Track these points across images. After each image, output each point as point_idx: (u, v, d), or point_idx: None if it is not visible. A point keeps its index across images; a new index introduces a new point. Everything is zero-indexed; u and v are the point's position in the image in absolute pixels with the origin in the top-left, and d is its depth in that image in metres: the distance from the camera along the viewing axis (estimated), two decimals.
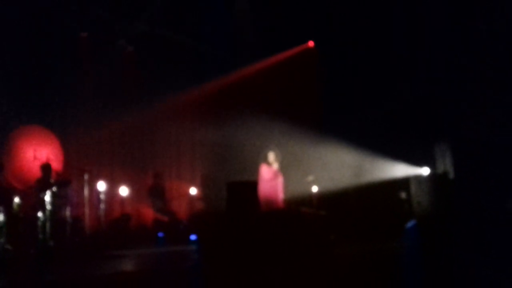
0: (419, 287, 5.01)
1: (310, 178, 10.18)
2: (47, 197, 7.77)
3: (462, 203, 4.99)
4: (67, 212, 8.42)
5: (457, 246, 4.75)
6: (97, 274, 6.43)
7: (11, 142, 9.41)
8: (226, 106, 11.66)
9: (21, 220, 7.70)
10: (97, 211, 9.24)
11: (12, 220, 7.49)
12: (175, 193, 11.15)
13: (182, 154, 11.92)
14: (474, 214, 4.75)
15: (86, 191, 8.89)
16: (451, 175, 6.18)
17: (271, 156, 8.54)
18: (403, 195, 9.79)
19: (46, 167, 8.68)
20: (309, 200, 9.87)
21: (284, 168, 8.66)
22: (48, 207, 7.71)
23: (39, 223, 7.59)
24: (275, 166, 8.50)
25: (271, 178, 8.43)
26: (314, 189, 10.13)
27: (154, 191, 10.52)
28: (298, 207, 8.47)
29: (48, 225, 7.60)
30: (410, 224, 5.79)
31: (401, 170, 10.33)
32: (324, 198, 10.05)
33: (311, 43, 12.35)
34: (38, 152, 9.52)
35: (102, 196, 9.23)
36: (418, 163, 10.18)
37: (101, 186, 9.31)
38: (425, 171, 9.97)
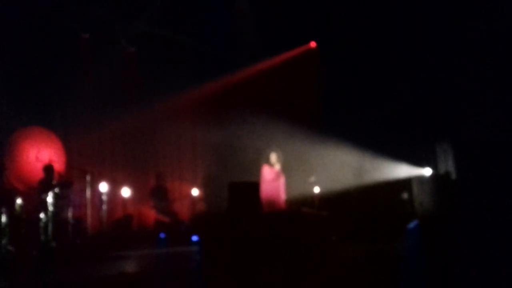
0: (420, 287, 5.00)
1: (312, 178, 10.18)
2: (49, 198, 7.79)
3: (464, 204, 4.98)
4: (69, 213, 8.43)
5: (459, 246, 4.74)
6: (99, 275, 6.44)
7: (13, 143, 9.42)
8: (227, 106, 11.65)
9: (23, 221, 7.71)
10: (99, 212, 9.26)
11: (14, 221, 7.50)
12: (177, 194, 11.15)
13: (184, 155, 11.92)
14: (477, 214, 4.73)
15: (88, 192, 8.90)
16: (453, 175, 6.17)
17: (273, 156, 8.54)
18: (405, 195, 9.79)
19: (48, 168, 8.69)
20: (310, 201, 9.87)
21: (285, 169, 8.66)
22: (50, 208, 7.73)
23: (41, 224, 7.61)
24: (277, 166, 8.50)
25: (273, 178, 8.43)
26: (316, 189, 10.12)
27: (157, 192, 10.53)
28: (300, 208, 8.47)
29: (50, 226, 7.62)
30: (412, 224, 5.79)
31: (403, 170, 10.32)
32: (326, 199, 10.05)
33: (313, 44, 12.34)
34: (40, 153, 9.52)
35: (104, 197, 9.24)
36: (420, 163, 10.17)
37: (103, 187, 9.33)
38: (427, 171, 9.96)
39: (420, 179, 7.07)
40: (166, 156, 11.61)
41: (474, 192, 4.80)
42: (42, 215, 7.66)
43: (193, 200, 11.11)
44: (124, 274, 6.54)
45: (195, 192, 11.08)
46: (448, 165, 9.20)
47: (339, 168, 10.79)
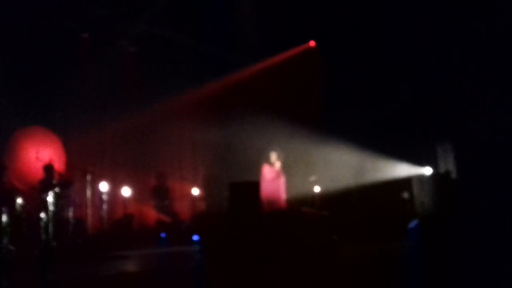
0: (421, 287, 5.01)
1: (312, 178, 10.18)
2: (50, 198, 7.79)
3: (465, 203, 4.98)
4: (70, 213, 8.43)
5: (459, 246, 4.74)
6: (99, 275, 6.45)
7: (13, 143, 9.42)
8: (228, 106, 11.66)
9: (24, 221, 7.72)
10: (100, 212, 9.26)
11: (15, 220, 7.51)
12: (177, 194, 11.15)
13: (184, 155, 11.92)
14: (477, 214, 4.74)
15: (88, 192, 8.91)
16: (454, 175, 6.17)
17: (273, 156, 8.55)
18: (405, 195, 9.78)
19: (48, 168, 8.68)
20: (311, 200, 9.87)
21: (286, 168, 8.66)
22: (51, 207, 7.73)
23: (42, 223, 7.62)
24: (278, 166, 8.51)
25: (273, 178, 8.44)
26: (316, 189, 10.12)
27: (158, 192, 10.53)
28: (300, 207, 8.48)
29: (50, 225, 7.62)
30: (412, 224, 5.79)
31: (403, 170, 10.32)
32: (326, 198, 10.05)
33: (312, 43, 12.34)
34: (40, 153, 9.52)
35: (104, 197, 9.25)
36: (421, 163, 10.17)
37: (104, 186, 9.33)
38: (427, 171, 9.96)
39: (421, 178, 7.06)
40: (167, 155, 11.60)
41: (474, 191, 4.81)
42: (42, 215, 7.67)
43: (194, 199, 11.12)
44: (125, 274, 6.55)
45: (195, 191, 11.08)
46: (449, 164, 9.20)
47: (340, 167, 10.79)
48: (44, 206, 7.75)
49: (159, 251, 8.87)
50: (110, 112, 10.51)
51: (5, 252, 7.18)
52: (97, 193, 9.35)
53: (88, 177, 8.95)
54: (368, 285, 5.41)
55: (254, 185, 7.25)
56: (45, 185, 8.21)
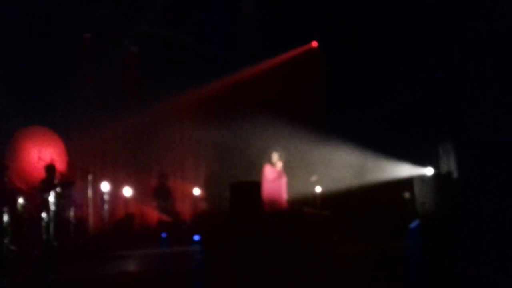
0: (422, 287, 5.00)
1: (314, 178, 10.17)
2: (51, 198, 7.80)
3: (466, 203, 4.97)
4: (71, 213, 8.44)
5: (460, 246, 4.74)
6: (100, 274, 6.45)
7: (15, 143, 9.44)
8: (229, 106, 11.65)
9: (25, 221, 7.73)
10: (101, 212, 9.27)
11: (16, 220, 7.52)
12: (178, 194, 11.16)
13: (186, 155, 11.93)
14: (478, 214, 4.73)
15: (90, 192, 8.92)
16: (455, 175, 6.16)
17: (275, 156, 8.54)
18: (406, 195, 9.77)
19: (50, 168, 8.70)
20: (312, 201, 9.86)
21: (287, 168, 8.66)
22: (52, 207, 7.74)
23: (43, 223, 7.63)
24: (279, 166, 8.50)
25: (274, 178, 8.43)
26: (318, 189, 10.12)
27: (160, 192, 10.53)
28: (301, 208, 8.47)
29: (52, 225, 7.64)
30: (413, 224, 5.78)
31: (404, 170, 10.31)
32: (328, 198, 10.04)
33: (314, 43, 12.33)
34: (42, 153, 9.53)
35: (105, 197, 9.25)
36: (422, 163, 10.15)
37: (105, 186, 9.34)
38: (429, 171, 9.94)
39: (422, 178, 7.05)
40: (168, 155, 11.61)
41: (476, 191, 4.80)
42: (44, 215, 7.68)
43: (195, 199, 11.12)
44: (126, 274, 6.55)
45: (196, 191, 11.08)
46: (450, 164, 9.17)
47: (341, 167, 10.78)
48: (45, 206, 7.76)
49: (160, 251, 8.87)
50: (112, 112, 10.52)
51: (6, 252, 7.20)
52: (98, 193, 9.35)
53: (90, 177, 8.95)
54: (369, 285, 5.40)
55: (256, 185, 7.24)
56: (47, 185, 8.22)
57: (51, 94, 9.85)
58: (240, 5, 12.09)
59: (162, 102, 11.05)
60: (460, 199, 5.20)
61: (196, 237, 8.91)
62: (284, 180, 8.49)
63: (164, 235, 9.69)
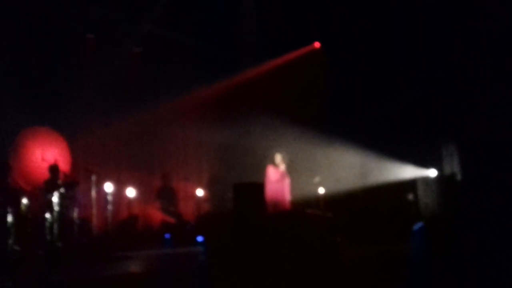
0: None
1: (317, 179, 10.17)
2: (55, 198, 7.81)
3: (470, 205, 4.97)
4: (75, 213, 8.46)
5: (464, 248, 4.73)
6: (104, 275, 6.46)
7: (19, 143, 9.45)
8: (233, 107, 11.66)
9: (29, 221, 7.75)
10: (105, 212, 9.28)
11: (20, 221, 7.54)
12: (182, 195, 11.16)
13: (189, 155, 11.93)
14: (482, 216, 4.72)
15: (93, 192, 8.93)
16: (459, 176, 6.15)
17: (278, 157, 8.55)
18: (410, 196, 9.75)
19: (53, 168, 8.71)
20: (315, 202, 9.86)
21: (290, 169, 8.66)
22: (56, 208, 7.75)
23: (47, 224, 7.63)
24: (282, 167, 8.50)
25: (278, 179, 8.44)
26: (321, 190, 10.11)
27: (164, 193, 10.54)
28: (304, 209, 8.46)
29: (55, 226, 7.64)
30: (417, 226, 5.78)
31: (408, 171, 10.29)
32: (331, 200, 10.03)
33: (317, 44, 12.33)
34: (45, 153, 9.55)
35: (109, 197, 9.27)
36: (425, 164, 10.13)
37: (109, 187, 9.35)
38: (432, 172, 9.93)
39: (426, 180, 7.06)
40: (171, 156, 11.62)
41: (479, 193, 4.79)
42: (47, 215, 7.68)
43: (198, 200, 11.12)
44: (129, 274, 6.56)
45: (200, 192, 11.08)
46: (454, 166, 9.16)
47: (344, 169, 10.77)
48: (49, 206, 7.77)
49: (164, 252, 8.87)
50: (115, 113, 10.53)
51: (10, 252, 7.21)
52: (102, 193, 9.36)
53: (93, 178, 8.97)
54: (372, 286, 5.40)
55: (259, 186, 7.25)
56: (50, 186, 8.23)
57: (54, 95, 9.87)
58: (242, 5, 12.10)
59: (165, 103, 11.06)
60: (463, 200, 5.19)
61: (200, 238, 8.90)
62: (287, 181, 8.49)
63: (167, 236, 9.69)
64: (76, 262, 7.33)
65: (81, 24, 10.34)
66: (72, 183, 8.75)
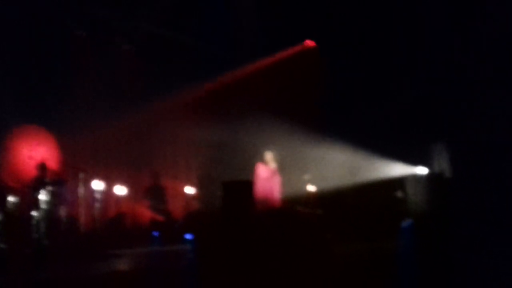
0: (414, 286, 5.00)
1: (307, 177, 10.17)
2: (43, 196, 7.75)
3: (458, 203, 4.98)
4: (62, 211, 8.40)
5: (452, 245, 4.74)
6: (92, 273, 6.42)
7: (7, 141, 9.38)
8: (223, 105, 11.64)
9: (16, 219, 7.68)
10: (92, 210, 9.23)
11: (7, 219, 7.48)
12: (171, 192, 11.12)
13: (178, 153, 11.90)
14: (470, 213, 4.74)
15: (81, 190, 8.88)
16: (448, 174, 6.18)
17: (268, 155, 8.54)
18: (399, 194, 9.78)
19: (41, 166, 8.63)
20: (305, 199, 9.86)
21: (280, 167, 8.65)
22: (44, 206, 7.69)
23: (34, 222, 7.58)
24: (272, 165, 8.49)
25: (268, 177, 8.42)
26: (311, 188, 10.12)
27: (152, 191, 10.49)
28: (294, 206, 8.47)
29: (43, 224, 7.59)
30: (406, 223, 5.79)
31: (397, 169, 10.33)
32: (321, 197, 10.04)
33: (311, 43, 12.33)
34: (33, 151, 9.48)
35: (97, 195, 9.22)
36: (415, 162, 10.18)
37: (97, 185, 9.30)
38: (421, 170, 9.97)
39: (415, 178, 7.08)
40: (160, 154, 11.58)
41: (468, 191, 4.80)
42: (35, 213, 7.62)
43: (187, 198, 11.09)
44: (117, 272, 6.53)
45: (189, 190, 11.05)
46: (443, 164, 9.21)
47: (334, 166, 10.79)
48: (36, 204, 7.71)
49: (152, 250, 8.84)
50: (104, 111, 10.47)
51: None
52: (90, 191, 9.31)
53: (81, 176, 8.91)
54: (361, 283, 5.40)
55: (248, 184, 7.24)
56: (38, 183, 8.16)
57: (43, 93, 9.79)
58: (236, 4, 12.07)
59: (155, 101, 11.01)
60: (452, 198, 5.20)
61: (188, 236, 8.87)
62: (277, 179, 8.48)
63: (156, 233, 9.65)
64: (63, 260, 7.28)
65: (73, 22, 10.26)
66: (59, 181, 8.69)
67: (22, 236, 7.61)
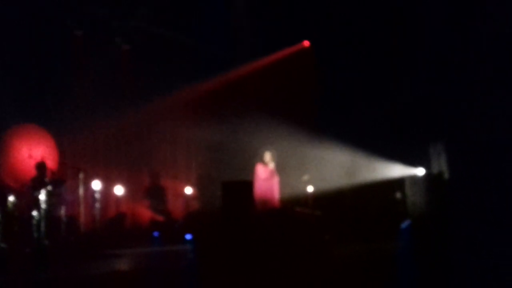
0: (413, 287, 5.03)
1: (305, 177, 10.20)
2: (42, 196, 7.76)
3: (457, 203, 5.00)
4: (62, 211, 8.40)
5: (451, 246, 4.77)
6: (92, 273, 6.43)
7: (6, 141, 9.37)
8: (222, 105, 11.65)
9: (16, 219, 7.68)
10: (92, 210, 9.23)
11: (7, 219, 7.48)
12: (170, 193, 11.14)
13: (178, 153, 11.91)
14: (469, 214, 4.76)
15: (81, 190, 8.87)
16: (446, 175, 6.20)
17: (267, 155, 8.56)
18: (398, 195, 9.81)
19: (41, 166, 8.63)
20: (304, 200, 9.88)
21: (279, 168, 8.67)
22: (43, 206, 7.70)
23: (34, 222, 7.58)
24: (271, 165, 8.52)
25: (267, 177, 8.45)
26: (309, 189, 10.14)
27: (152, 191, 10.50)
28: (293, 207, 8.49)
29: (43, 224, 7.59)
30: (404, 224, 5.82)
31: (396, 170, 10.35)
32: (319, 198, 10.06)
33: (306, 43, 12.35)
34: (33, 151, 9.47)
35: (97, 195, 9.22)
36: (413, 163, 10.20)
37: (96, 185, 9.30)
38: (420, 171, 10.00)
39: (413, 179, 7.10)
40: (160, 154, 11.59)
41: (466, 192, 4.82)
42: (34, 213, 7.63)
43: (187, 198, 11.10)
44: (117, 272, 6.54)
45: (189, 190, 11.06)
46: (441, 165, 9.24)
47: (333, 167, 10.81)
48: (36, 204, 7.71)
49: (152, 250, 8.85)
50: (104, 111, 10.48)
51: None
52: (89, 191, 9.31)
53: (81, 175, 8.91)
54: (360, 284, 5.42)
55: (247, 185, 7.27)
56: (38, 183, 8.17)
57: (42, 92, 9.78)
58: (233, 4, 12.08)
59: (154, 101, 11.02)
60: (451, 199, 5.23)
61: (188, 236, 8.90)
62: (276, 180, 8.51)
63: (156, 234, 9.67)
64: (63, 260, 7.29)
65: (71, 21, 10.26)
66: (59, 180, 8.69)
67: (22, 236, 7.61)
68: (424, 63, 9.82)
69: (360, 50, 11.03)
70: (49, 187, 8.00)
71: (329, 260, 6.66)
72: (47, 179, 8.37)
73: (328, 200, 10.02)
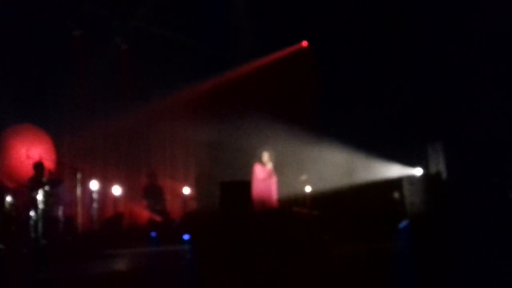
0: (412, 286, 5.03)
1: (303, 177, 10.20)
2: (40, 196, 7.75)
3: (455, 203, 5.02)
4: (60, 211, 8.38)
5: (449, 245, 4.78)
6: (89, 273, 6.42)
7: (3, 141, 9.36)
8: (220, 105, 11.65)
9: (14, 219, 7.67)
10: (90, 210, 9.21)
11: (4, 219, 7.47)
12: (168, 192, 11.12)
13: (176, 153, 11.90)
14: (466, 214, 4.77)
15: (78, 190, 8.85)
16: (444, 175, 6.20)
17: (265, 155, 8.56)
18: (396, 195, 9.81)
19: (38, 166, 8.63)
20: (302, 200, 9.88)
21: (277, 168, 8.67)
22: (41, 206, 7.69)
23: (32, 222, 7.58)
24: (269, 165, 8.52)
25: (265, 177, 8.45)
26: (308, 189, 10.14)
27: (150, 191, 10.49)
28: (291, 207, 8.49)
29: (40, 224, 7.58)
30: (403, 224, 5.82)
31: (394, 170, 10.36)
32: (317, 198, 10.06)
33: (305, 43, 12.35)
34: (30, 151, 9.46)
35: (94, 195, 9.20)
36: (411, 163, 10.21)
37: (94, 185, 9.28)
38: (418, 171, 10.00)
39: (411, 179, 7.09)
40: (158, 154, 11.58)
41: (464, 191, 4.84)
42: (32, 213, 7.62)
43: (185, 198, 11.09)
44: (115, 273, 6.52)
45: (187, 190, 11.05)
46: (439, 165, 9.24)
47: (331, 167, 10.82)
48: (33, 204, 7.71)
49: (150, 250, 8.83)
50: (102, 110, 10.47)
51: None
52: (87, 191, 9.29)
53: (79, 175, 8.89)
54: (359, 284, 5.42)
55: (245, 185, 7.26)
56: (35, 183, 8.16)
57: (40, 92, 9.77)
58: (232, 4, 12.08)
59: (152, 101, 11.01)
60: (448, 199, 5.24)
61: (186, 236, 8.88)
62: (274, 180, 8.51)
63: (153, 234, 9.64)
64: (61, 260, 7.27)
65: (70, 21, 10.25)
66: (57, 180, 8.68)
67: (19, 236, 7.60)
68: (424, 63, 9.84)
69: (359, 50, 11.05)
70: (47, 187, 7.99)
71: (328, 260, 6.65)
72: (44, 179, 8.37)
73: (326, 200, 10.02)
